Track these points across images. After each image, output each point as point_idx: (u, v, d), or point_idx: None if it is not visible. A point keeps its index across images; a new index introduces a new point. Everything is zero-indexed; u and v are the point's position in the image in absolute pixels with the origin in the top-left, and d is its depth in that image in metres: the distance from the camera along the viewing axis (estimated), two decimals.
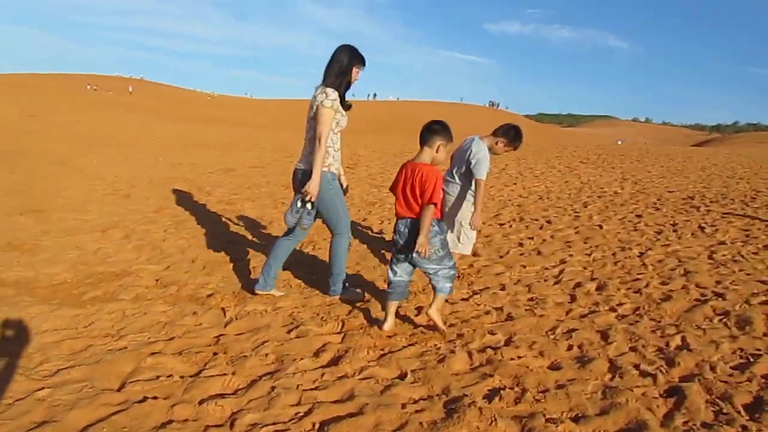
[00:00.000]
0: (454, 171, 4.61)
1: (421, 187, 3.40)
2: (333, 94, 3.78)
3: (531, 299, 4.48)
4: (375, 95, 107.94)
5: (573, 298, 4.54)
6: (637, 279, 5.02)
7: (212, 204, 7.79)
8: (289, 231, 4.13)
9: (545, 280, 4.99)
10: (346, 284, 4.33)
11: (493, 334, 3.77)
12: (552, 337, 3.75)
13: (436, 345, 3.58)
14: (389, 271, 3.69)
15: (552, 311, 4.22)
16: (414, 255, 3.42)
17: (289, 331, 3.73)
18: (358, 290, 4.38)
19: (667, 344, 3.67)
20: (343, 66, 3.83)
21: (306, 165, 3.93)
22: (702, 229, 7.00)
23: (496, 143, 4.57)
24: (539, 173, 12.44)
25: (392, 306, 3.70)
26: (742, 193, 9.88)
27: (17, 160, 10.93)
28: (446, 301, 3.98)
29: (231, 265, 5.10)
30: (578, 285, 4.84)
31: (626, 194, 9.65)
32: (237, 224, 6.65)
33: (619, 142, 31.54)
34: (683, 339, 3.75)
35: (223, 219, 6.90)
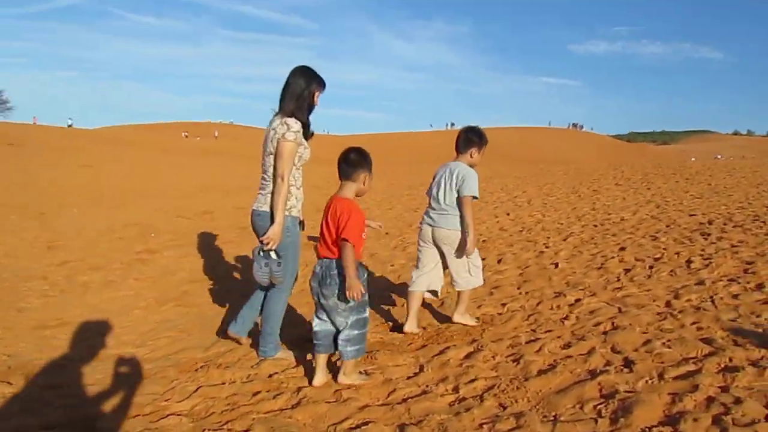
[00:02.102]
0: (441, 203, 4.12)
1: (335, 224, 3.14)
2: (295, 125, 3.50)
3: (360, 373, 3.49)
4: (453, 124, 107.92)
5: (420, 370, 3.52)
6: (536, 340, 3.94)
7: (131, 253, 7.32)
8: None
9: (409, 344, 3.98)
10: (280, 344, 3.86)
11: None
12: None
13: None
14: (314, 320, 3.38)
15: (367, 394, 3.24)
16: (324, 302, 3.23)
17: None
18: (291, 352, 3.85)
19: None
20: (300, 90, 3.56)
21: (263, 206, 3.60)
22: (689, 263, 5.66)
23: (470, 156, 4.17)
24: (553, 200, 11.18)
25: (320, 358, 3.37)
26: None
27: None
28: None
29: (47, 331, 4.45)
30: (444, 351, 3.79)
31: (633, 221, 8.28)
32: (129, 281, 6.03)
33: (692, 158, 28.90)
34: None
35: (117, 273, 6.32)
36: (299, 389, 3.33)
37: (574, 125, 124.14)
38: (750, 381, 3.11)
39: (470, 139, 4.16)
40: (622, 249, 6.53)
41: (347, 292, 3.04)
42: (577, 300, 4.78)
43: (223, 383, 3.46)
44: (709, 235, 6.91)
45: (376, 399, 3.20)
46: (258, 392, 3.33)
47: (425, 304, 4.64)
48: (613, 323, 4.14)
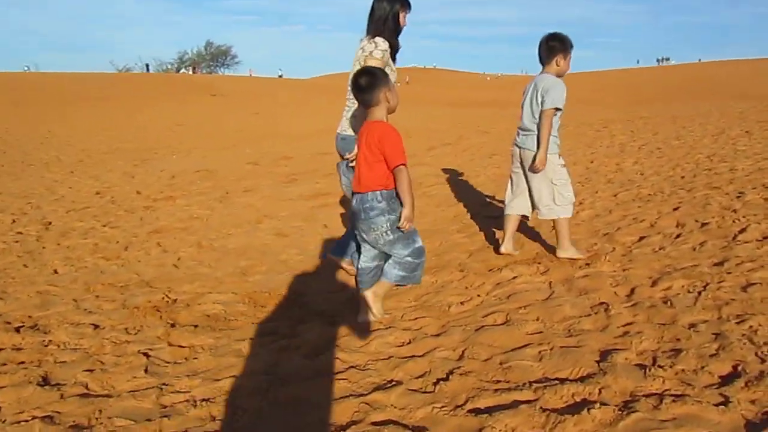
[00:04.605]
0: (525, 122, 3.99)
1: (373, 150, 2.95)
2: (383, 44, 3.53)
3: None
4: (667, 59, 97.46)
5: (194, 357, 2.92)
6: (384, 329, 3.07)
7: (149, 201, 7.43)
8: None
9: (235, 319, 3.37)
10: None
11: None
12: None
13: None
14: (356, 258, 3.34)
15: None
16: (365, 236, 3.08)
17: None
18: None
19: None
20: (386, 14, 3.57)
21: (347, 129, 3.67)
22: (740, 233, 4.16)
23: (556, 64, 3.92)
24: (676, 144, 9.22)
25: (363, 295, 3.25)
26: None
27: (106, 159, 12.23)
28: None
29: None
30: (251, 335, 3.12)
31: (744, 172, 6.39)
32: (105, 229, 6.11)
33: None
34: None
35: (108, 220, 6.45)
36: None
37: None
38: (581, 430, 2.02)
39: (552, 46, 3.91)
40: (676, 209, 5.00)
41: (401, 223, 2.94)
42: (515, 277, 3.69)
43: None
44: None
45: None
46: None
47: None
48: (507, 316, 3.08)
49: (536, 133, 3.90)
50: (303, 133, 16.63)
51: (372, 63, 3.44)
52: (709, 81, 51.04)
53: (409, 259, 3.06)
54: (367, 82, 2.98)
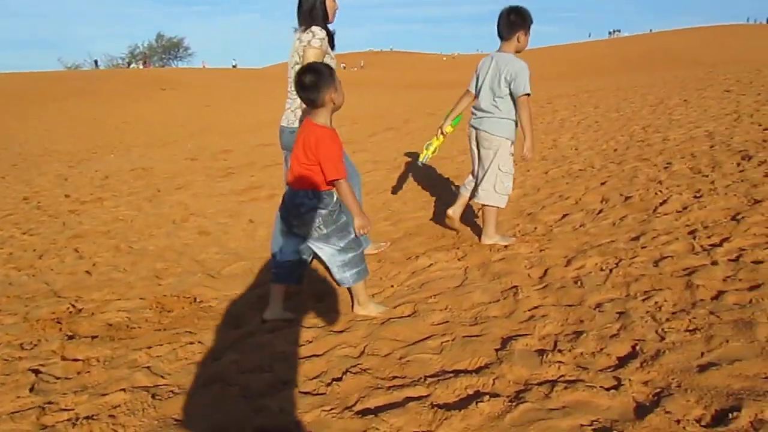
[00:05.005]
0: (483, 103, 3.82)
1: (308, 154, 2.80)
2: (321, 32, 3.51)
3: None
4: (618, 31, 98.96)
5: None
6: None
7: (77, 204, 7.13)
8: None
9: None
10: None
11: None
12: None
13: None
14: (276, 246, 3.19)
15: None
16: (297, 230, 2.96)
17: None
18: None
19: None
20: (312, 2, 3.52)
21: (294, 122, 3.57)
22: (661, 205, 4.14)
23: (517, 41, 3.75)
24: (614, 117, 9.29)
25: (276, 289, 3.14)
26: None
27: (41, 162, 11.77)
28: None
29: None
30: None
31: (675, 141, 6.45)
32: (23, 237, 5.83)
33: None
34: None
35: (27, 227, 6.15)
36: None
37: None
38: (468, 425, 1.94)
39: (513, 21, 3.71)
40: (603, 183, 5.01)
41: (357, 230, 2.86)
42: (431, 264, 3.61)
43: None
44: (750, 158, 5.05)
45: None
46: None
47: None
48: (415, 307, 2.99)
49: (494, 115, 3.75)
50: (251, 124, 16.30)
51: (311, 52, 3.41)
52: (662, 51, 51.89)
53: (352, 254, 2.95)
54: (312, 81, 2.75)
